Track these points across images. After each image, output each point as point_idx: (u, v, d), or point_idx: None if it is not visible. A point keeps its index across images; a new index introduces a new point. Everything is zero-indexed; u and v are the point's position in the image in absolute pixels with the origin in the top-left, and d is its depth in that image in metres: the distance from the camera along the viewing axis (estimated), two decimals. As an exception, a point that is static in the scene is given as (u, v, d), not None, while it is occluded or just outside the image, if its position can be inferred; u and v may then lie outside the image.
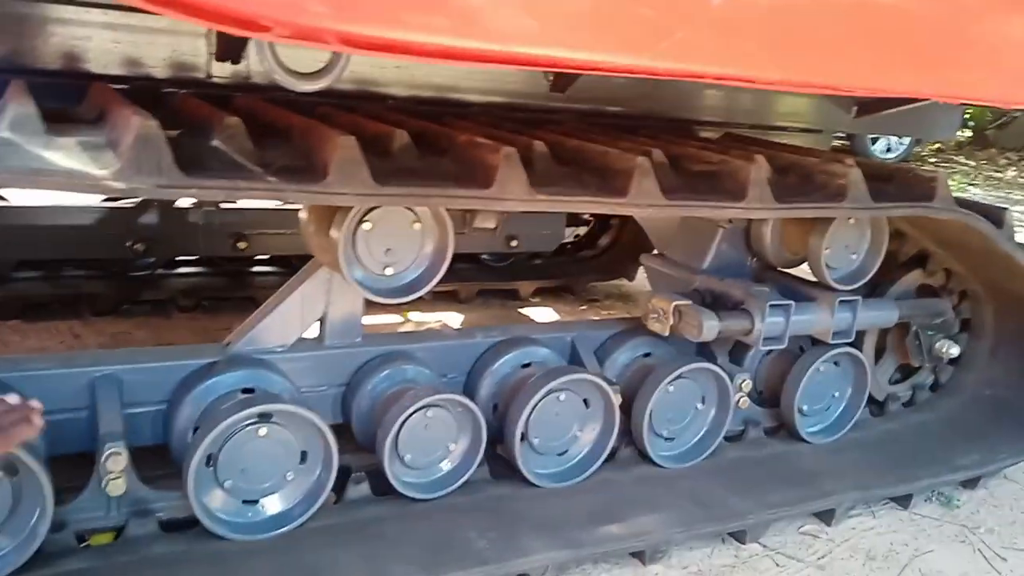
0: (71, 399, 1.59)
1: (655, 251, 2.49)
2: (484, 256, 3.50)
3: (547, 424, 1.92)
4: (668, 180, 1.72)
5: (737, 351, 2.28)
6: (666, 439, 2.12)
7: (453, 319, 3.27)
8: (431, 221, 1.71)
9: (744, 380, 2.19)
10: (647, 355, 2.20)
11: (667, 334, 2.07)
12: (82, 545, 1.56)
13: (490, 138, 1.60)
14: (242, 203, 3.09)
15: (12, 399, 1.20)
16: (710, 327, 2.02)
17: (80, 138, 1.23)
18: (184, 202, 2.89)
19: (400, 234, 1.68)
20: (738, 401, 2.18)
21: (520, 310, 3.47)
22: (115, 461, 1.49)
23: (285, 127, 1.54)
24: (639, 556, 1.85)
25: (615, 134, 2.08)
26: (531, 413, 1.88)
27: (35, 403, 1.21)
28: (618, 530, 1.82)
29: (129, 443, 1.54)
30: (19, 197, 2.84)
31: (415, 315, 3.24)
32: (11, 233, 2.64)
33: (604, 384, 1.96)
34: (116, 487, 1.51)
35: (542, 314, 3.45)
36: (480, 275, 3.47)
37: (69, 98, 1.68)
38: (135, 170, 1.16)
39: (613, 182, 1.64)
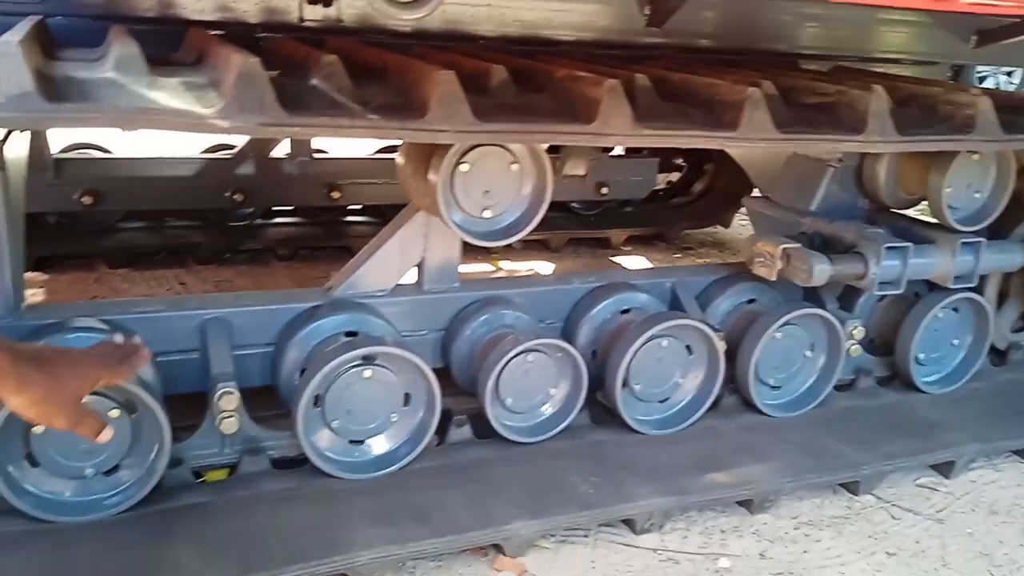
0: (183, 341, 1.63)
1: (757, 193, 2.39)
2: (574, 204, 3.44)
3: (649, 370, 1.87)
4: (780, 113, 1.63)
5: (847, 297, 2.17)
6: (772, 387, 2.05)
7: (543, 269, 3.24)
8: (529, 161, 1.67)
9: (856, 327, 2.09)
10: (751, 301, 2.12)
11: (774, 279, 1.98)
12: (199, 481, 1.61)
13: (589, 73, 1.54)
14: (335, 153, 3.12)
15: (118, 338, 1.26)
16: (821, 271, 1.92)
17: (183, 78, 1.23)
18: (279, 152, 2.92)
19: (498, 175, 1.65)
20: (849, 349, 2.08)
21: (611, 259, 3.41)
22: (227, 400, 1.53)
23: (380, 66, 1.52)
24: (746, 505, 1.80)
25: (718, 68, 1.98)
26: (632, 359, 1.83)
27: (138, 338, 1.29)
28: (724, 478, 1.78)
29: (240, 383, 1.57)
30: (123, 150, 2.94)
31: (506, 264, 3.22)
32: (117, 185, 2.71)
33: (709, 330, 1.89)
34: (229, 425, 1.54)
35: (634, 263, 3.38)
36: (570, 223, 3.41)
37: (166, 45, 1.69)
38: (238, 108, 1.16)
39: (722, 115, 1.56)
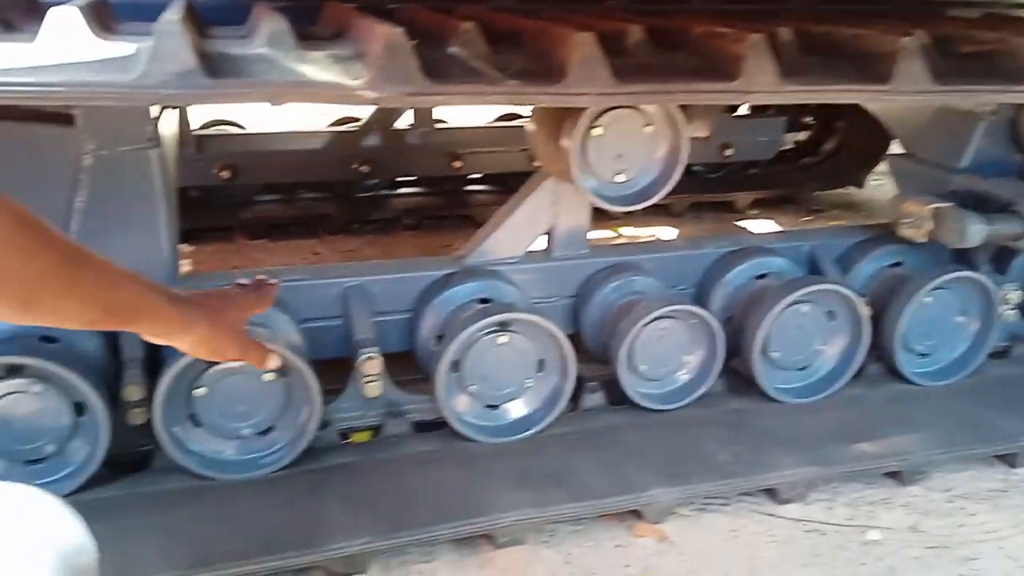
0: (327, 308, 1.69)
1: (898, 150, 2.26)
2: (696, 167, 3.35)
3: (788, 337, 1.81)
4: (936, 64, 1.52)
5: (1001, 258, 2.04)
6: (921, 355, 1.95)
7: (666, 234, 3.18)
8: (663, 123, 1.63)
9: (1011, 291, 1.96)
10: (896, 264, 2.02)
11: (923, 240, 1.88)
12: (345, 442, 1.67)
13: (728, 29, 1.48)
14: (456, 123, 3.15)
15: (243, 280, 1.30)
16: (975, 231, 1.81)
17: (329, 51, 1.26)
18: (401, 123, 2.98)
19: (632, 138, 1.62)
20: (1003, 314, 1.96)
21: (736, 223, 3.31)
22: (371, 365, 1.58)
23: (515, 31, 1.50)
24: (896, 476, 1.73)
25: (863, 18, 1.87)
26: (772, 326, 1.78)
27: (259, 276, 1.32)
28: (871, 448, 1.71)
29: (380, 348, 1.62)
30: (256, 125, 3.06)
31: (627, 230, 3.18)
32: (252, 159, 2.82)
33: (852, 295, 1.81)
34: (373, 389, 1.60)
35: (760, 227, 3.27)
36: (692, 187, 3.32)
37: (304, 19, 1.73)
38: (384, 79, 1.18)
39: (873, 68, 1.47)
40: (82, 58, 1.11)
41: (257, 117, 3.08)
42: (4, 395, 1.44)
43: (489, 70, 1.27)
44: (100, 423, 1.46)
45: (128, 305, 0.95)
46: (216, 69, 1.15)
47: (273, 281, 1.29)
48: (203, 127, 2.95)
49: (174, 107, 1.61)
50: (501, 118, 3.20)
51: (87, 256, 0.88)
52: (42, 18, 1.37)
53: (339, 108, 3.02)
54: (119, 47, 1.15)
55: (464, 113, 3.17)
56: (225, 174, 2.78)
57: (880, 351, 1.92)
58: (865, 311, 1.83)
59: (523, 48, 1.44)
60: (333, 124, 3.05)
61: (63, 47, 1.13)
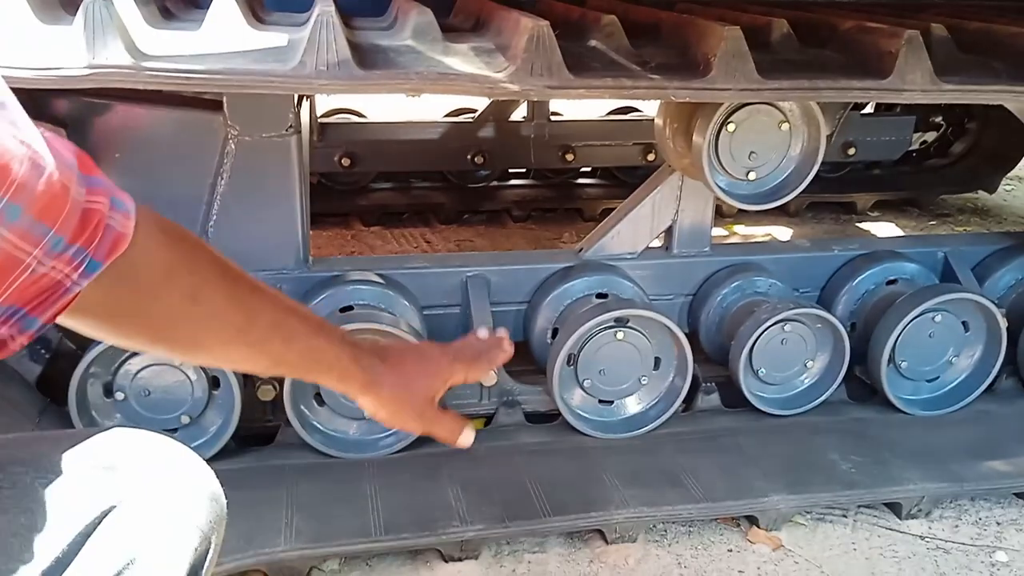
0: (447, 296, 1.71)
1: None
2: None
3: (918, 347, 1.74)
4: (1099, 63, 1.43)
5: None
6: (1061, 371, 1.84)
7: (781, 234, 3.10)
8: (800, 120, 1.58)
9: None
10: (1039, 274, 1.91)
11: (1069, 250, 1.77)
12: (460, 429, 1.70)
13: (881, 24, 1.43)
14: (569, 116, 3.15)
15: (482, 333, 1.17)
16: None
17: (472, 44, 1.27)
18: (517, 115, 2.99)
19: (766, 135, 1.58)
20: None
21: (856, 225, 3.20)
22: (490, 355, 1.59)
23: (652, 24, 1.49)
24: (1028, 498, 1.65)
25: (1016, 14, 1.77)
26: (901, 334, 1.71)
27: (502, 331, 1.17)
28: (1002, 467, 1.63)
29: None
30: (376, 114, 3.13)
31: (741, 228, 3.12)
32: (370, 148, 2.89)
33: (991, 306, 1.73)
34: (489, 378, 1.61)
35: (882, 230, 3.15)
36: (811, 186, 3.18)
37: (439, 10, 1.76)
38: (527, 72, 1.18)
39: (1030, 67, 1.40)
40: (241, 48, 1.16)
41: (379, 105, 3.15)
42: (145, 366, 1.53)
43: (630, 64, 1.27)
44: (233, 397, 1.53)
45: (304, 360, 0.89)
46: (366, 60, 1.18)
47: (508, 346, 1.12)
48: (326, 115, 3.04)
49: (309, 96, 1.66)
50: (614, 112, 3.18)
51: (261, 302, 0.83)
52: (196, 5, 1.44)
53: (457, 99, 3.06)
54: (275, 37, 1.19)
55: (579, 106, 3.16)
56: (345, 161, 2.86)
57: (1015, 365, 1.83)
58: (1003, 323, 1.74)
59: (663, 41, 1.42)
60: (449, 115, 3.09)
61: (223, 36, 1.18)
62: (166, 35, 1.20)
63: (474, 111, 3.00)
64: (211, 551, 0.77)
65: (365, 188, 3.05)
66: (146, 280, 0.72)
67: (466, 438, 1.07)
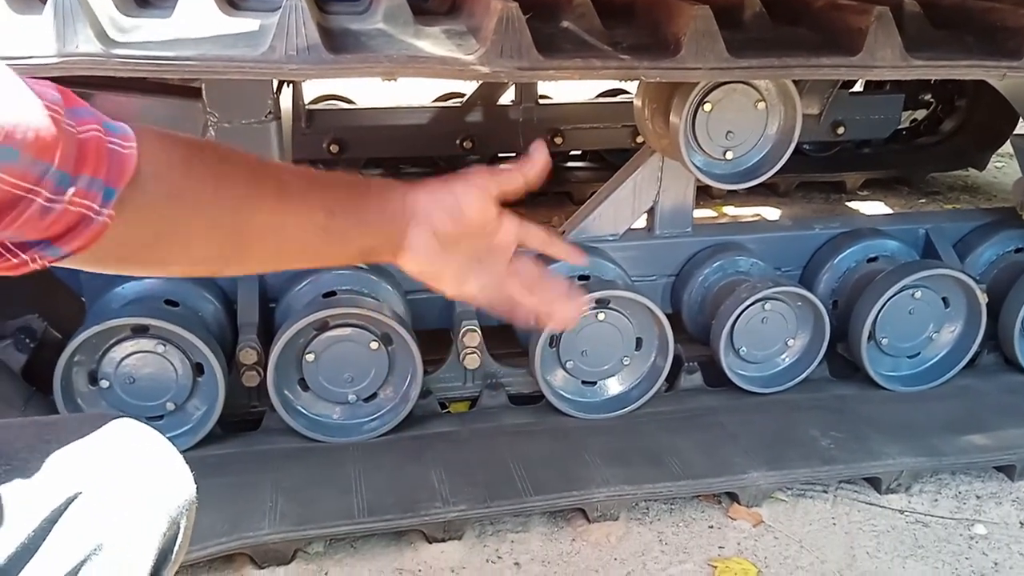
0: (430, 279, 1.72)
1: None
2: (805, 145, 3.24)
3: (898, 323, 1.75)
4: (1074, 38, 1.43)
5: None
6: (1041, 346, 1.85)
7: (771, 214, 3.10)
8: (776, 99, 1.59)
9: None
10: (1019, 250, 1.92)
11: (1049, 225, 1.78)
12: (444, 411, 1.72)
13: (851, 1, 1.43)
14: (558, 99, 3.14)
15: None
16: (1108, 217, 1.70)
17: (444, 26, 1.28)
18: (505, 99, 2.98)
19: (743, 115, 1.59)
20: None
21: (846, 204, 3.20)
22: (471, 337, 1.61)
23: (627, 5, 1.49)
24: (1006, 471, 1.66)
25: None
26: (881, 311, 1.72)
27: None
28: (982, 441, 1.64)
29: (481, 323, 1.64)
30: (365, 100, 3.12)
31: (730, 209, 3.12)
32: (359, 134, 2.89)
33: (970, 282, 1.73)
34: (472, 361, 1.63)
35: (872, 208, 3.15)
36: (801, 166, 3.21)
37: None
38: (497, 53, 1.19)
39: (1004, 43, 1.40)
40: (212, 33, 1.17)
41: (367, 91, 3.14)
42: (130, 354, 1.54)
43: (601, 44, 1.27)
44: (217, 384, 1.54)
45: (350, 213, 0.80)
46: (337, 44, 1.19)
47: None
48: (314, 101, 3.03)
49: (292, 82, 1.66)
50: (603, 94, 3.17)
51: (278, 167, 0.79)
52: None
53: (444, 83, 3.05)
54: (246, 23, 1.20)
55: (568, 88, 3.16)
56: (334, 148, 2.86)
57: (996, 340, 1.84)
58: (983, 298, 1.75)
59: (636, 22, 1.42)
60: (437, 99, 3.08)
61: (194, 23, 1.18)
62: (137, 22, 1.20)
63: (463, 95, 3.00)
64: (180, 535, 0.77)
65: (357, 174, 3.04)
66: (167, 185, 0.70)
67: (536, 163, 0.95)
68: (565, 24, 1.32)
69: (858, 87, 3.15)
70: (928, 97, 3.34)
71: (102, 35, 1.12)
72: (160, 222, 0.71)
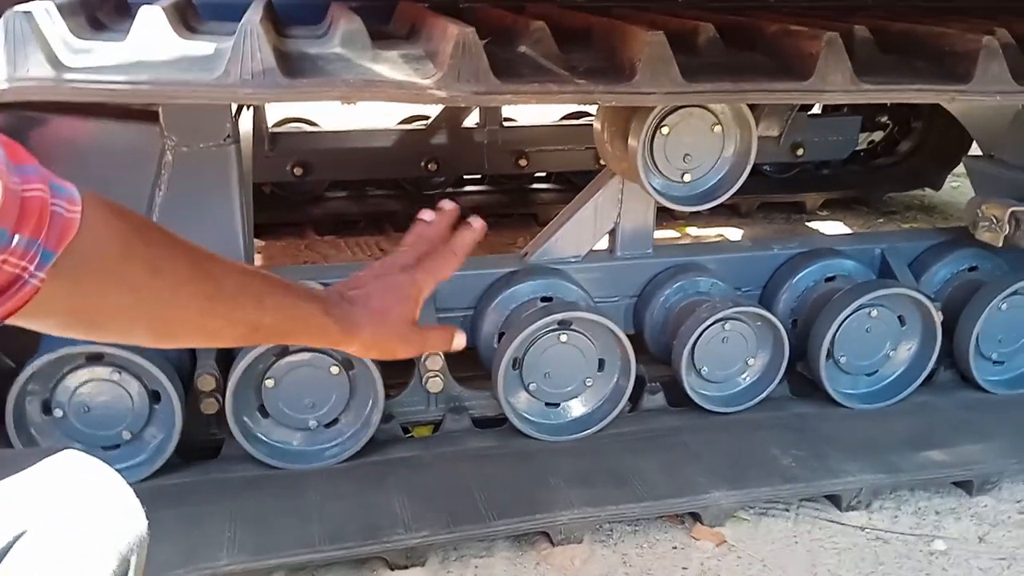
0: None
1: (977, 151, 2.19)
2: (766, 167, 3.30)
3: (856, 342, 1.78)
4: (1018, 63, 1.47)
5: (1085, 264, 1.96)
6: (995, 362, 1.89)
7: (733, 235, 3.14)
8: (732, 122, 1.61)
9: (1096, 298, 1.88)
10: (972, 269, 1.96)
11: (1000, 245, 1.82)
12: (407, 436, 1.70)
13: (802, 27, 1.46)
14: (523, 121, 3.16)
15: (427, 215, 1.10)
16: (1057, 236, 1.74)
17: (402, 51, 1.28)
18: (469, 122, 3.00)
19: (699, 138, 1.61)
20: (1086, 323, 1.88)
21: (807, 224, 3.25)
22: (433, 361, 1.60)
23: (584, 30, 1.51)
24: (964, 486, 1.68)
25: (942, 16, 1.82)
26: (839, 329, 1.75)
27: (447, 204, 1.10)
28: (940, 456, 1.67)
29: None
30: (329, 122, 3.12)
31: (693, 230, 3.16)
32: (323, 156, 2.88)
33: (925, 300, 1.77)
34: (435, 385, 1.62)
35: (831, 229, 3.20)
36: (762, 187, 3.27)
37: (377, 18, 1.76)
38: (454, 78, 1.19)
39: (953, 67, 1.43)
40: (166, 57, 1.16)
41: (331, 114, 3.14)
42: (84, 383, 1.51)
43: (558, 69, 1.28)
44: (175, 411, 1.52)
45: (279, 320, 0.84)
46: (293, 68, 1.19)
47: (478, 225, 1.05)
48: (278, 124, 3.02)
49: (256, 105, 1.65)
50: (567, 116, 3.20)
51: (223, 268, 0.80)
52: (130, 16, 1.43)
53: (409, 106, 3.06)
54: (201, 47, 1.19)
55: (533, 111, 3.18)
56: (298, 171, 2.85)
57: (952, 358, 1.87)
58: (938, 317, 1.78)
59: (593, 47, 1.44)
60: (403, 122, 3.09)
61: (149, 47, 1.18)
62: (90, 46, 1.19)
63: (427, 118, 3.01)
64: (131, 572, 0.75)
65: (319, 197, 3.04)
66: (104, 261, 0.70)
67: (459, 341, 1.04)
68: (522, 49, 1.33)
69: (816, 110, 3.21)
70: (885, 119, 3.41)
71: (54, 59, 1.11)
72: (90, 294, 0.70)
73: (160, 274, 0.74)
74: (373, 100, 1.20)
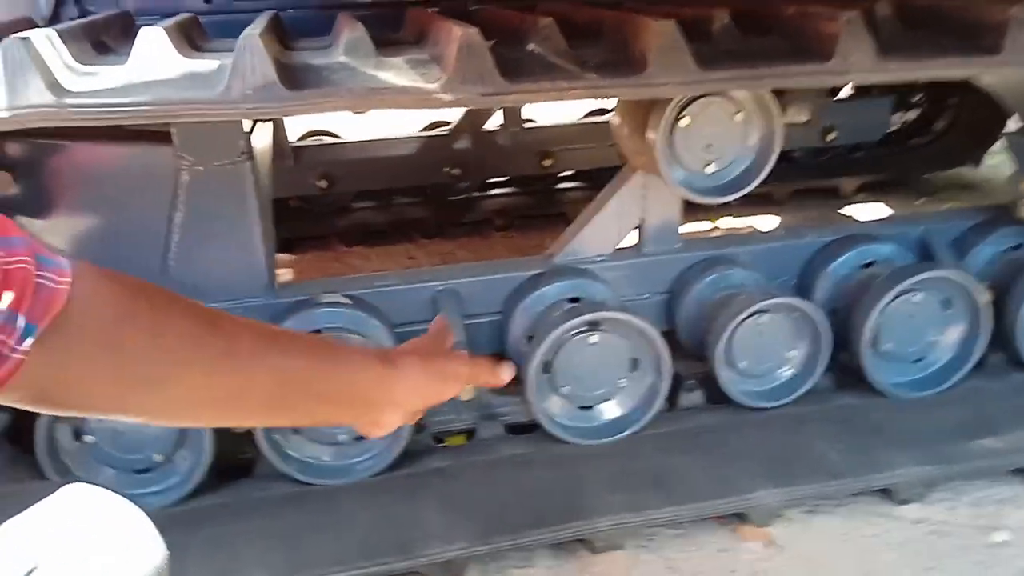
0: (418, 312, 1.69)
1: (1016, 125, 2.10)
2: (797, 153, 3.21)
3: (900, 328, 1.71)
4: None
5: None
6: (1049, 342, 1.80)
7: (767, 224, 3.06)
8: (755, 109, 1.56)
9: None
10: (1017, 247, 1.87)
11: (1046, 220, 1.74)
12: (439, 445, 1.68)
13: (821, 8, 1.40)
14: (545, 121, 3.12)
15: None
16: (1105, 208, 1.66)
17: (407, 56, 1.26)
18: (491, 124, 2.97)
19: (721, 127, 1.56)
20: None
21: (843, 210, 3.16)
22: (462, 369, 1.57)
23: (595, 24, 1.47)
24: (1022, 474, 1.60)
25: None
26: (881, 316, 1.68)
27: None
28: (996, 444, 1.59)
29: (472, 351, 1.60)
30: (351, 134, 3.11)
31: (725, 221, 3.08)
32: (348, 168, 2.88)
33: (969, 281, 1.69)
34: (466, 392, 1.58)
35: (867, 213, 3.11)
36: (794, 173, 3.18)
37: (389, 26, 1.75)
38: (460, 80, 1.16)
39: (981, 39, 1.36)
40: (168, 76, 1.15)
41: (353, 126, 3.14)
42: (116, 405, 1.51)
43: (567, 65, 1.24)
44: (205, 432, 1.51)
45: (311, 364, 0.78)
46: (296, 80, 1.16)
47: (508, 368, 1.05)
48: (301, 138, 3.03)
49: (263, 120, 1.64)
50: (591, 113, 3.16)
51: (234, 323, 0.74)
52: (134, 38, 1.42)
53: (431, 113, 3.05)
54: (203, 64, 1.18)
55: (554, 110, 3.15)
56: (322, 183, 2.85)
57: (1002, 340, 1.79)
58: (983, 298, 1.70)
59: (603, 41, 1.40)
60: (425, 129, 3.07)
61: (151, 67, 1.16)
62: (92, 70, 1.18)
63: (449, 124, 2.98)
64: None
65: (345, 208, 3.03)
66: (98, 330, 0.66)
67: (507, 373, 1.04)
68: (531, 47, 1.29)
69: (845, 93, 3.13)
70: (918, 98, 3.30)
71: (55, 85, 1.10)
72: (83, 368, 0.66)
73: (163, 338, 0.69)
74: (379, 108, 1.18)
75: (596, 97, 1.55)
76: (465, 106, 1.23)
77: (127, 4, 1.83)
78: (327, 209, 3.00)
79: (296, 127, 3.00)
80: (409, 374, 0.86)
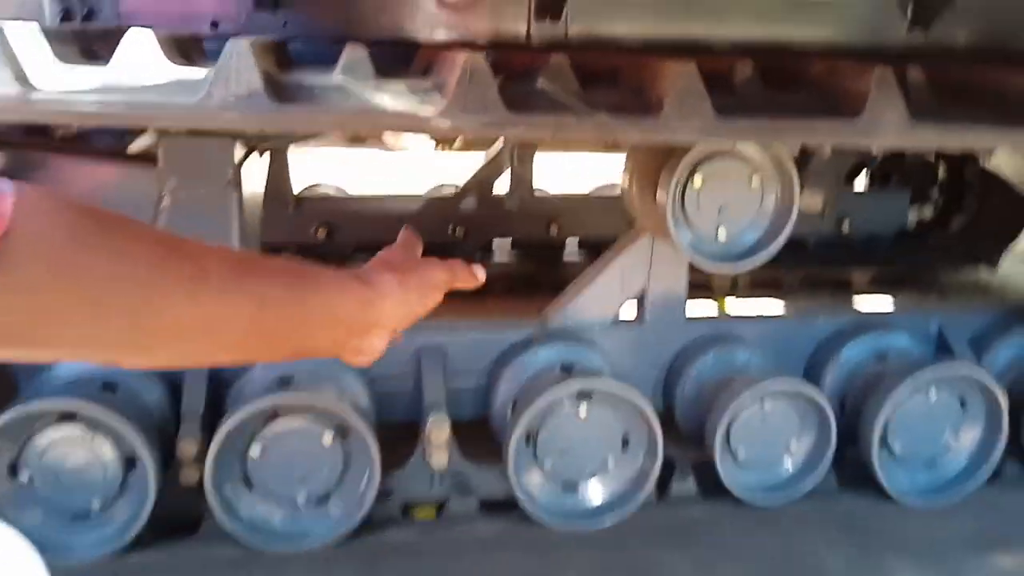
0: (398, 366, 1.57)
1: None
2: (809, 240, 3.12)
3: (913, 427, 1.58)
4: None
5: None
6: (1072, 455, 1.67)
7: (773, 310, 2.96)
8: (772, 173, 1.47)
9: None
10: (1039, 350, 1.76)
11: (1074, 321, 1.63)
12: (406, 516, 1.53)
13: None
14: (554, 191, 3.05)
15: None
16: None
17: (409, 82, 1.17)
18: (500, 189, 2.90)
19: (736, 189, 1.46)
20: None
21: (854, 302, 3.05)
22: (438, 432, 1.43)
23: (611, 70, 1.39)
24: (1042, 598, 1.46)
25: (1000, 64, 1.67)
26: (893, 412, 1.55)
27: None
28: (1010, 562, 1.45)
29: (452, 415, 1.48)
30: (356, 188, 3.05)
31: (732, 305, 2.98)
32: (349, 220, 2.80)
33: (989, 382, 1.57)
34: (439, 459, 1.45)
35: (879, 306, 3.00)
36: (805, 261, 3.09)
37: (399, 64, 1.68)
38: (461, 107, 1.08)
39: (1013, 114, 1.28)
40: (149, 79, 1.06)
41: (359, 182, 3.09)
42: (54, 443, 1.38)
43: (577, 103, 1.16)
44: (149, 480, 1.37)
45: (289, 284, 0.70)
46: (284, 95, 1.08)
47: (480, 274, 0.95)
48: (305, 189, 2.96)
49: (250, 140, 1.53)
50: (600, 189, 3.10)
51: (200, 247, 0.66)
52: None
53: (439, 174, 3.01)
54: (189, 72, 1.10)
55: (564, 182, 3.10)
56: (322, 233, 2.77)
57: (1020, 450, 1.66)
58: (1004, 401, 1.58)
59: (619, 86, 1.32)
60: (432, 190, 3.01)
61: (132, 70, 1.08)
62: (69, 69, 1.10)
63: (457, 186, 2.92)
64: None
65: (343, 259, 2.93)
66: (52, 254, 0.58)
67: (480, 273, 0.95)
68: (540, 85, 1.21)
69: (861, 185, 3.07)
70: (936, 193, 3.24)
71: (22, 77, 1.01)
72: (45, 297, 0.58)
73: (123, 260, 0.61)
74: (371, 129, 1.09)
75: (604, 138, 1.45)
76: (463, 134, 1.15)
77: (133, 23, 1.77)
78: (326, 259, 2.90)
79: (301, 177, 2.94)
80: (388, 291, 0.78)
